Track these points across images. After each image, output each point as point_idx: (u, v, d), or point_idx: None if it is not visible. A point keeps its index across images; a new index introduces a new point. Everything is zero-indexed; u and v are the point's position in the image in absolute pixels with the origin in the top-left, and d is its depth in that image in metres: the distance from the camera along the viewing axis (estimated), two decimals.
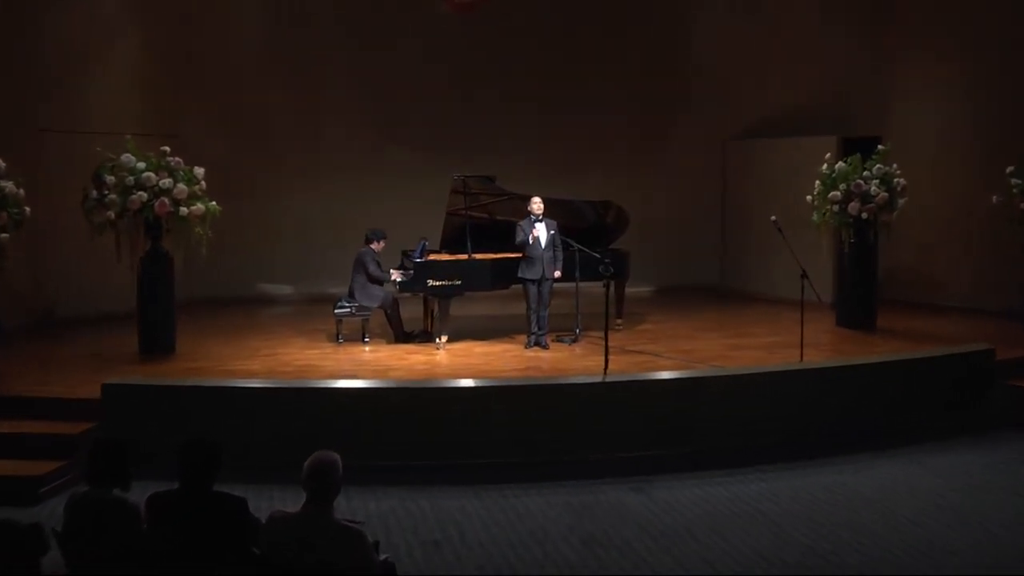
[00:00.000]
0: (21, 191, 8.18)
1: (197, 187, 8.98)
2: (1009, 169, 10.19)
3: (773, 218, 9.15)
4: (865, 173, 10.05)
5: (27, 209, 8.25)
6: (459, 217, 9.81)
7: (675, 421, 7.65)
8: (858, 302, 10.47)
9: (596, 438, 7.53)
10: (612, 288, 8.97)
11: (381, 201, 12.58)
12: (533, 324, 9.58)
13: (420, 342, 9.92)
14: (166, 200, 8.70)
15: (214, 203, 9.06)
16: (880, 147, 10.28)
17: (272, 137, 12.72)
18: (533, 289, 9.53)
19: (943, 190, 11.84)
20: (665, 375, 8.19)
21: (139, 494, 4.45)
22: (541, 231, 9.43)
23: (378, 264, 9.84)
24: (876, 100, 12.48)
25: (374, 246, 9.86)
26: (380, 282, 9.84)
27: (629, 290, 10.83)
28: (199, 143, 11.87)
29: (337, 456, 4.24)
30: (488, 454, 7.37)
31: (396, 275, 9.82)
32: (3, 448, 7.10)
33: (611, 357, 8.26)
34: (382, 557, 4.41)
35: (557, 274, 9.55)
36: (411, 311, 10.48)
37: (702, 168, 13.58)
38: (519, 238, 9.43)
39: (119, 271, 8.89)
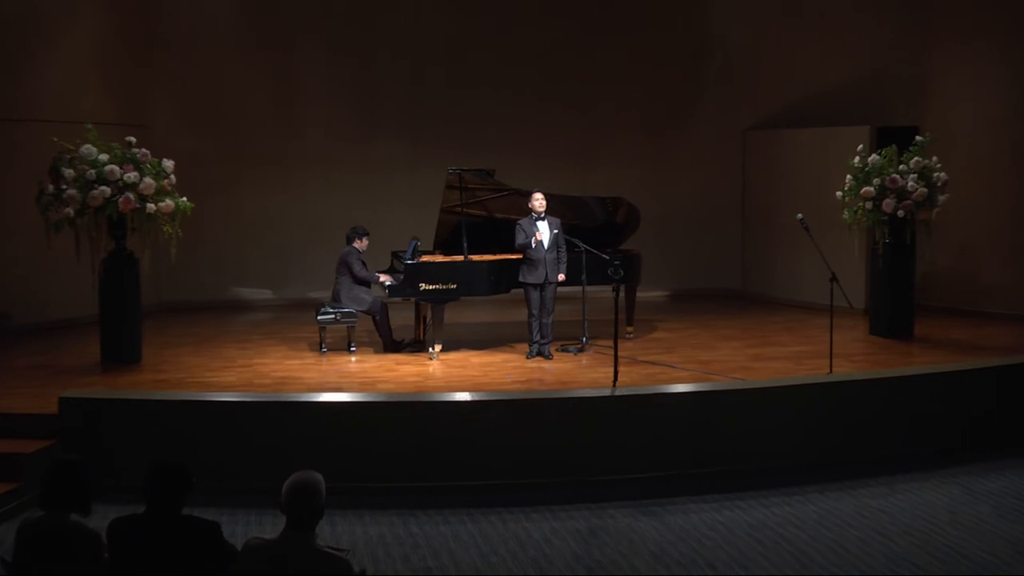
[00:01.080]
0: None
1: (166, 181, 8.97)
2: None
3: (799, 216, 9.14)
4: (901, 167, 10.03)
5: None
6: (454, 215, 9.80)
7: (692, 439, 7.64)
8: (893, 308, 10.45)
9: (604, 457, 7.51)
10: (622, 293, 8.94)
11: (369, 197, 12.60)
12: (535, 332, 9.57)
13: (411, 352, 9.91)
14: (131, 196, 8.69)
15: (184, 199, 9.05)
16: (918, 138, 10.27)
17: (249, 127, 12.72)
18: (535, 294, 9.52)
19: (988, 185, 11.82)
20: (681, 388, 8.17)
21: (100, 519, 4.43)
22: (544, 231, 9.43)
23: (364, 264, 9.84)
24: (914, 86, 12.46)
25: (357, 244, 9.85)
26: (367, 283, 9.84)
27: (641, 295, 10.82)
28: (169, 133, 11.91)
29: (320, 477, 4.22)
30: (486, 475, 7.36)
31: (385, 279, 9.80)
32: None
33: (621, 368, 8.24)
34: None
35: (561, 277, 9.54)
36: (402, 318, 10.46)
37: (721, 161, 13.58)
38: (520, 239, 9.43)
39: (79, 274, 8.87)
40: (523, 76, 13.06)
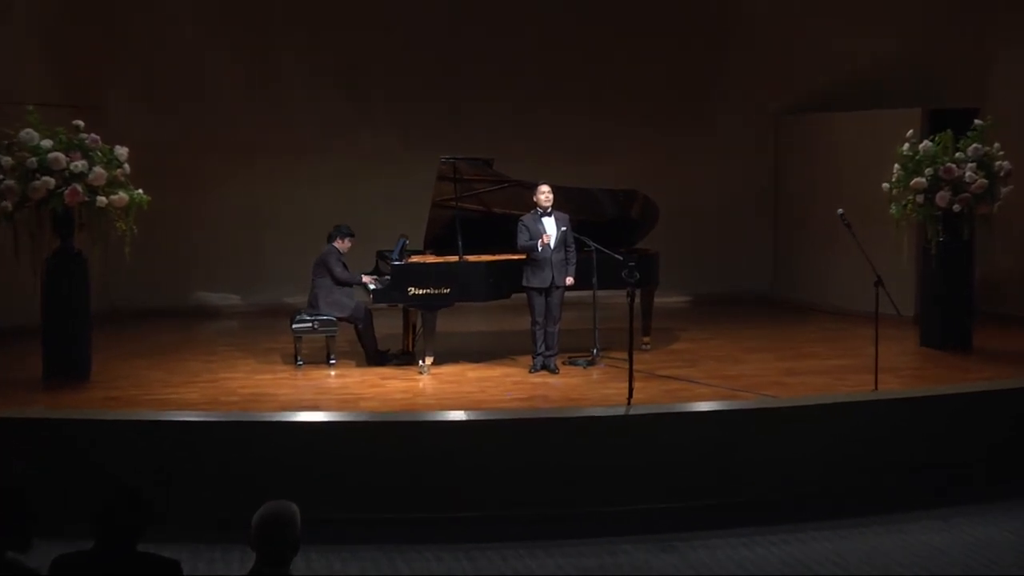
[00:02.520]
0: None
1: (119, 171, 8.94)
2: None
3: (840, 211, 9.12)
4: (958, 155, 10.01)
5: None
6: (448, 209, 9.78)
7: (716, 464, 7.62)
8: (947, 316, 10.43)
9: (618, 485, 7.50)
10: (637, 298, 8.92)
11: (352, 191, 12.58)
12: (540, 343, 9.55)
13: (399, 365, 9.89)
14: (79, 187, 8.66)
15: (140, 191, 9.02)
16: (978, 122, 10.24)
17: (216, 111, 12.69)
18: (540, 300, 9.50)
19: None
20: (704, 407, 8.17)
21: (42, 556, 4.38)
22: (550, 228, 9.41)
23: (345, 266, 9.82)
24: (972, 63, 12.44)
25: (338, 244, 9.84)
26: (349, 286, 9.83)
27: (659, 300, 10.80)
28: (123, 117, 11.88)
29: (294, 507, 4.20)
30: (483, 506, 7.34)
31: (369, 280, 9.77)
32: None
33: (637, 384, 8.22)
34: None
35: (570, 281, 9.53)
36: (388, 326, 10.44)
37: (749, 149, 13.57)
38: (522, 239, 9.41)
39: (18, 275, 8.84)
40: (524, 56, 13.04)
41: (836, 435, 7.87)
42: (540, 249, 9.35)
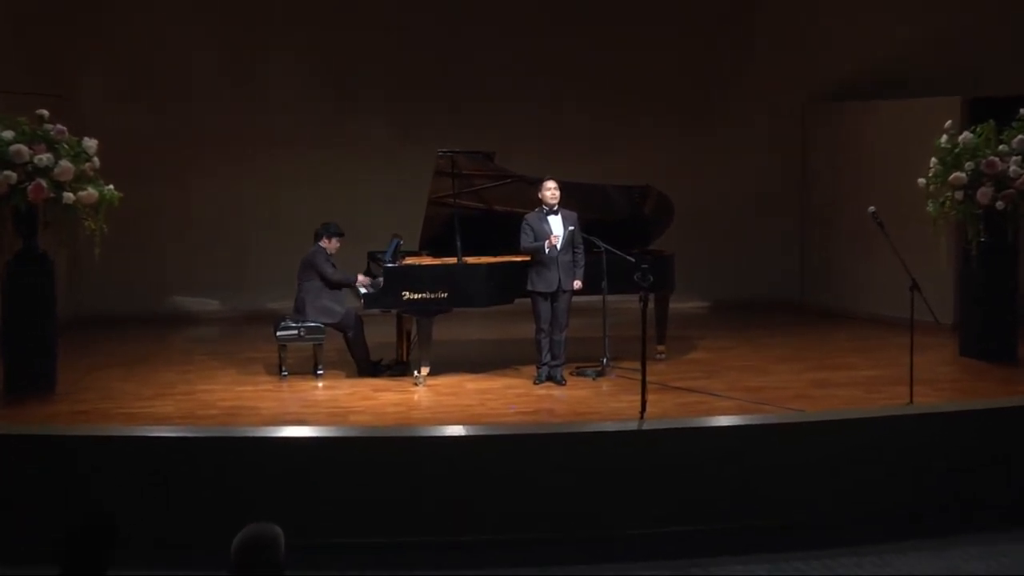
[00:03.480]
0: None
1: (88, 165, 8.94)
2: None
3: (872, 209, 9.10)
4: (1001, 147, 9.99)
5: None
6: (445, 207, 9.78)
7: (737, 484, 7.60)
8: (989, 323, 10.41)
9: (629, 506, 7.49)
10: (651, 303, 8.91)
11: (341, 186, 12.59)
12: (545, 352, 9.54)
13: (392, 375, 9.90)
14: (44, 183, 8.66)
15: (111, 187, 9.02)
16: (1023, 111, 10.23)
17: (194, 100, 12.73)
18: (545, 305, 9.49)
19: None
20: (724, 422, 8.16)
21: None
22: (556, 227, 9.40)
23: (335, 267, 9.82)
24: (1016, 46, 12.43)
25: (325, 244, 9.83)
26: (340, 288, 9.83)
27: (674, 306, 10.79)
28: (93, 106, 11.90)
29: (278, 530, 4.20)
30: (484, 528, 7.33)
31: (363, 281, 9.78)
32: None
33: (650, 397, 8.21)
34: None
35: (578, 284, 9.52)
36: (380, 334, 10.43)
37: (773, 142, 13.57)
38: (526, 240, 9.40)
39: None
40: (527, 44, 13.04)
41: (868, 453, 7.84)
42: (548, 250, 9.33)
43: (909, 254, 9.11)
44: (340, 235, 9.92)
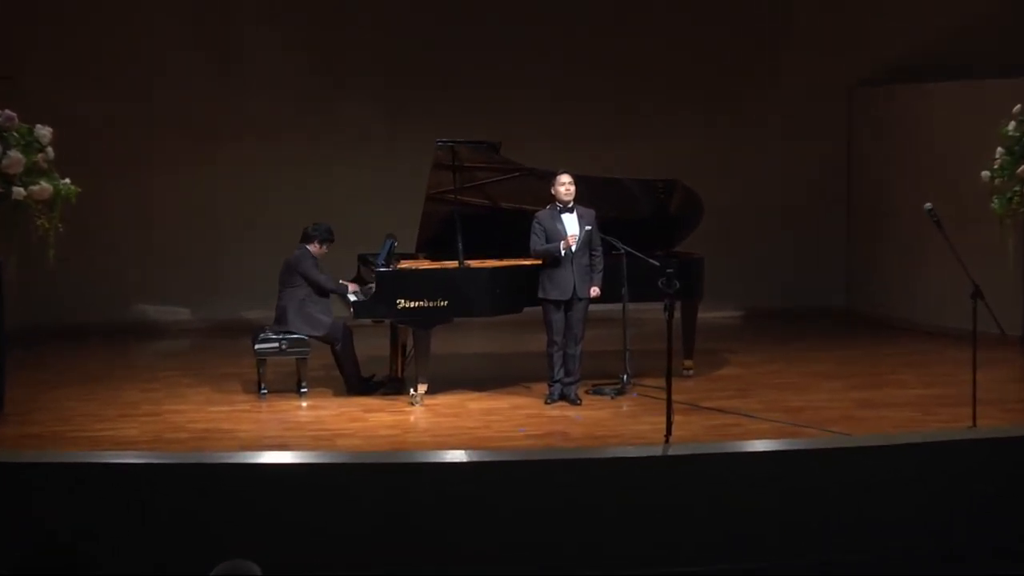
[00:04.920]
0: None
1: (40, 156, 8.93)
2: None
3: (928, 206, 9.08)
4: None
5: None
6: (446, 204, 9.79)
7: (775, 518, 7.57)
8: None
9: (654, 543, 7.45)
10: (678, 312, 8.90)
11: (326, 180, 12.59)
12: (558, 368, 9.54)
13: (385, 394, 9.90)
14: None
15: (67, 181, 9.03)
16: None
17: (160, 85, 12.72)
18: (558, 315, 9.49)
19: None
20: (760, 446, 8.15)
21: None
22: (571, 227, 9.40)
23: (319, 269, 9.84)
24: None
25: (313, 248, 9.83)
26: (326, 294, 9.84)
27: (704, 315, 10.80)
28: (45, 90, 11.87)
29: (256, 569, 4.20)
30: (489, 565, 7.30)
31: (353, 288, 9.79)
32: None
33: (677, 418, 8.20)
34: None
35: (595, 292, 9.52)
36: (372, 347, 10.43)
37: (815, 130, 13.57)
38: (537, 242, 9.41)
39: None
40: (536, 17, 13.05)
41: (925, 483, 7.81)
42: (563, 253, 9.32)
43: (970, 256, 9.08)
44: (331, 241, 9.91)
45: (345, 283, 9.98)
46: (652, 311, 9.00)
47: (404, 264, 9.86)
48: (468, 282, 9.60)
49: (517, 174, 10.03)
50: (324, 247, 9.91)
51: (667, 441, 8.01)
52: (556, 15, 13.09)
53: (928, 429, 8.65)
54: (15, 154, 8.76)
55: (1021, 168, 9.97)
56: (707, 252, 10.63)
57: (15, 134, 8.86)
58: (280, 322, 9.83)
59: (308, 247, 9.86)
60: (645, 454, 7.85)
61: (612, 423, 9.04)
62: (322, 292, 9.83)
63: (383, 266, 9.60)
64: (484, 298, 9.63)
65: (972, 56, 12.54)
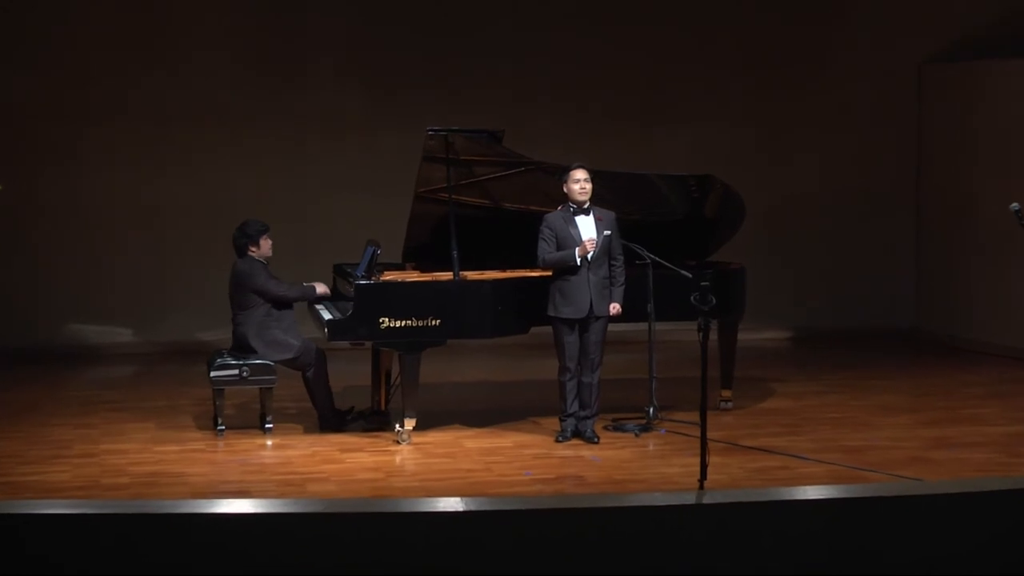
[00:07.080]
0: None
1: None
2: None
3: (1015, 206, 9.10)
4: None
5: None
6: (438, 204, 9.84)
7: (833, 573, 7.59)
8: None
9: None
10: (714, 333, 8.92)
11: (294, 177, 12.62)
12: (571, 400, 9.58)
13: (366, 429, 9.94)
14: None
15: None
16: None
17: (100, 65, 12.78)
18: (572, 337, 9.52)
19: None
20: (813, 493, 8.13)
21: None
22: (587, 231, 9.43)
23: (277, 279, 9.84)
24: None
25: (255, 251, 9.84)
26: (291, 305, 9.88)
27: (745, 337, 10.83)
28: None
29: None
30: None
31: (323, 291, 9.83)
32: None
33: (713, 459, 8.22)
34: None
35: (615, 309, 9.54)
36: (351, 374, 10.46)
37: (877, 113, 13.64)
38: (547, 249, 9.44)
39: None
40: None
41: (1009, 535, 7.84)
42: (579, 261, 9.36)
43: None
44: (266, 231, 9.88)
45: (311, 284, 9.98)
46: (684, 332, 9.03)
47: (388, 276, 9.88)
48: (465, 297, 9.63)
49: (523, 169, 10.06)
50: (266, 240, 9.88)
51: (701, 487, 8.06)
52: None
53: (1015, 475, 8.66)
54: None
55: None
56: (749, 262, 10.67)
57: None
58: (240, 347, 9.84)
59: (250, 253, 9.82)
60: (675, 502, 7.86)
61: (636, 465, 9.08)
62: (282, 305, 9.85)
63: (363, 278, 9.64)
64: (484, 316, 9.65)
65: None
